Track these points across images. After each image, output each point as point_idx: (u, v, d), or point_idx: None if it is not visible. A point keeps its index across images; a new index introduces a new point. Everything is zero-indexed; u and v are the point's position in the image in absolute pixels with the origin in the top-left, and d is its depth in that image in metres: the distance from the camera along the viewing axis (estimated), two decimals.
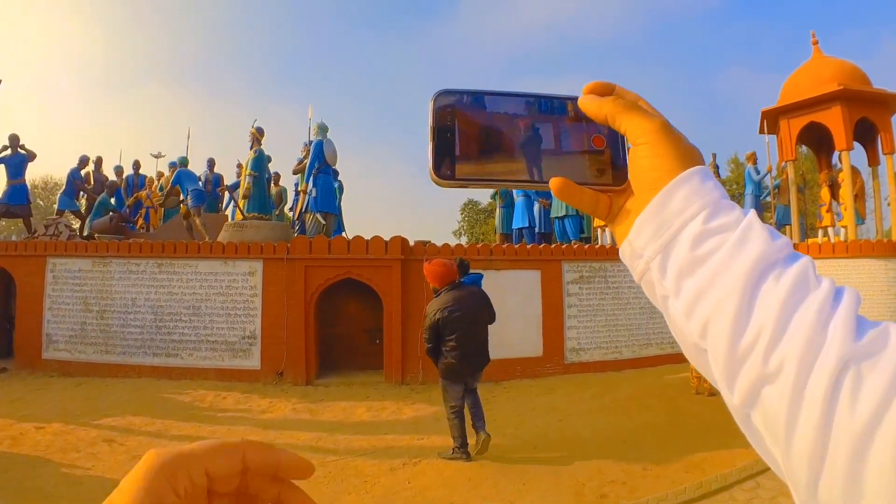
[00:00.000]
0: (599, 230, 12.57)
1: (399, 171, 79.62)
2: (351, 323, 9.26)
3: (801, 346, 0.34)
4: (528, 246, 9.76)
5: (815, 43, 11.88)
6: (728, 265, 0.38)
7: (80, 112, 76.68)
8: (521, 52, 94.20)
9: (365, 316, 9.15)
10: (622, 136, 0.47)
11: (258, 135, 10.95)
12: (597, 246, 10.21)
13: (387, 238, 8.78)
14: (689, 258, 0.40)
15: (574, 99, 0.49)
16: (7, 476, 4.85)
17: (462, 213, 38.56)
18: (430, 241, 9.48)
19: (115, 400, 7.25)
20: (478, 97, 0.47)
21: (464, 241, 31.72)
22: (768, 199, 13.46)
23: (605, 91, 0.48)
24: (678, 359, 7.53)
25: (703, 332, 0.39)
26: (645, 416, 6.60)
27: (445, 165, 0.45)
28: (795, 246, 9.14)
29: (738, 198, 25.19)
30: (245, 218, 10.67)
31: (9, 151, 10.93)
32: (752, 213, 0.41)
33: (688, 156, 0.43)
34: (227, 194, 13.83)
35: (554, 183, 0.45)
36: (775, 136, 12.24)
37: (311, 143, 11.24)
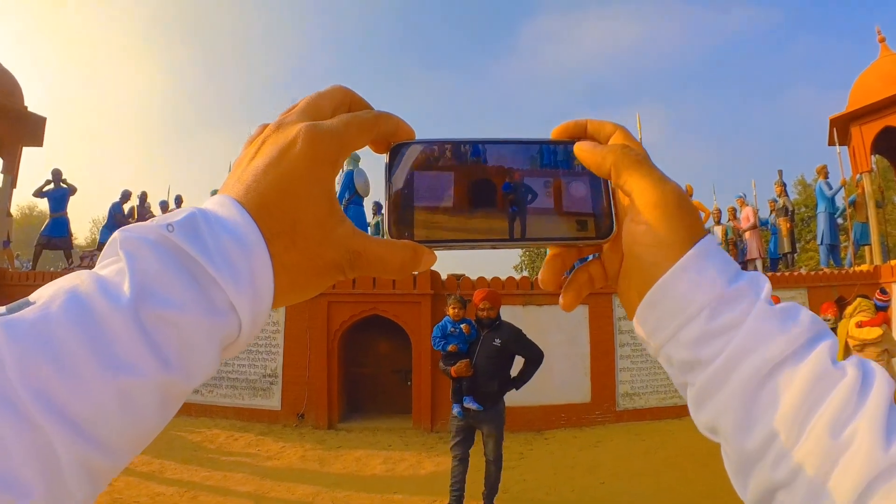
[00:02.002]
0: None
1: None
2: (380, 363, 8.64)
3: (818, 456, 0.31)
4: None
5: (882, 40, 10.58)
6: (732, 369, 0.35)
7: (136, 154, 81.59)
8: (581, 85, 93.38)
9: (395, 356, 8.50)
10: (607, 183, 0.43)
11: None
12: None
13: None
14: (691, 359, 0.37)
15: (547, 142, 0.44)
16: None
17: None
18: (463, 275, 8.77)
19: None
20: (440, 148, 0.43)
21: (524, 275, 30.91)
22: (842, 217, 11.87)
23: (578, 131, 0.45)
24: None
25: (713, 431, 0.38)
26: (706, 479, 5.44)
27: (403, 225, 0.41)
28: (877, 269, 7.66)
29: (807, 221, 22.97)
30: None
31: (52, 185, 11.30)
32: (760, 302, 0.36)
33: (694, 228, 0.39)
34: None
35: (563, 303, 0.46)
36: (846, 146, 10.83)
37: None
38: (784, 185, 11.97)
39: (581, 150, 0.42)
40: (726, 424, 0.35)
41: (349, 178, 10.25)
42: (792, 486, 0.32)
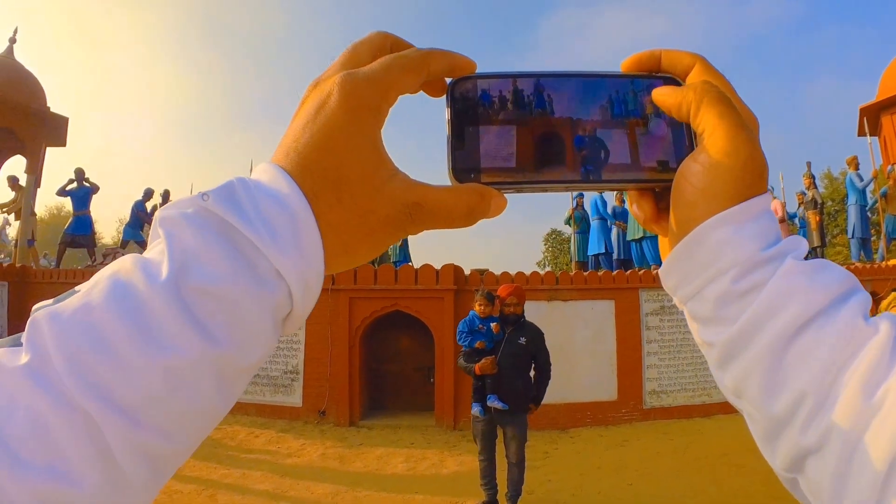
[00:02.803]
0: None
1: None
2: (403, 360, 8.54)
3: (849, 420, 0.30)
4: (600, 273, 8.66)
5: None
6: (757, 328, 0.33)
7: (160, 153, 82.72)
8: None
9: (418, 352, 8.39)
10: (688, 125, 0.39)
11: None
12: None
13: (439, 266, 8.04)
14: (715, 317, 0.35)
15: (623, 77, 0.41)
16: None
17: (545, 244, 37.30)
18: (487, 270, 8.64)
19: None
20: (503, 82, 0.39)
21: (549, 270, 30.64)
22: (872, 211, 11.46)
23: (652, 63, 0.41)
24: None
25: (738, 393, 0.35)
26: (736, 480, 5.29)
27: (468, 165, 0.38)
28: None
29: (834, 215, 22.38)
30: None
31: (75, 185, 11.42)
32: (789, 259, 0.33)
33: (752, 186, 0.36)
34: None
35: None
36: (877, 137, 10.47)
37: None
38: (813, 177, 11.60)
39: (660, 95, 0.39)
40: (752, 387, 0.34)
41: None
42: (822, 451, 0.31)
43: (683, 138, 0.39)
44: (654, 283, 8.44)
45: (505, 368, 4.29)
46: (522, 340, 4.40)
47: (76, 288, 0.28)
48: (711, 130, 0.36)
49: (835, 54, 71.25)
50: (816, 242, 11.29)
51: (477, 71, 0.39)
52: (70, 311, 0.26)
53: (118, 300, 0.27)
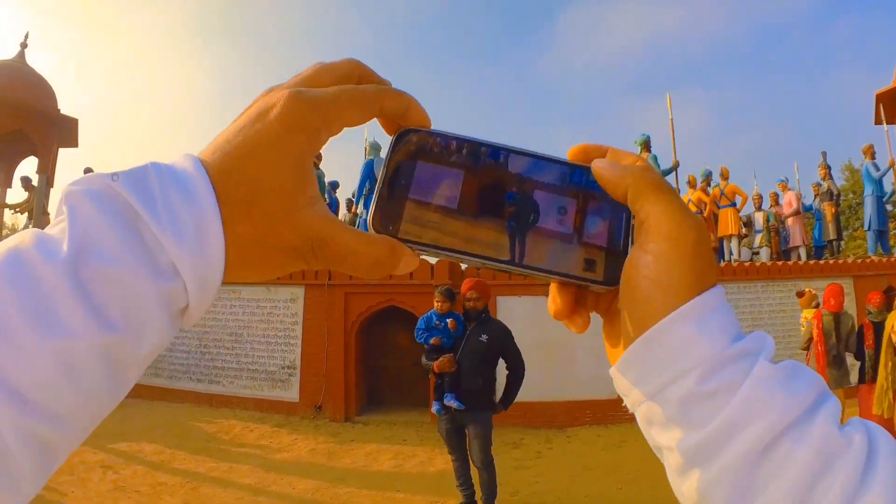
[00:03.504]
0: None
1: None
2: (400, 355, 8.49)
3: None
4: None
5: None
6: (728, 438, 0.31)
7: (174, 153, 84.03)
8: (620, 71, 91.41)
9: (416, 348, 8.27)
10: (627, 218, 0.38)
11: (315, 159, 10.63)
12: None
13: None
14: (678, 420, 0.33)
15: (565, 163, 0.40)
16: None
17: None
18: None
19: (144, 424, 7.15)
20: (449, 142, 0.39)
21: None
22: (891, 203, 11.00)
23: (598, 155, 0.40)
24: None
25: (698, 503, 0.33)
26: None
27: (389, 217, 0.36)
28: None
29: (854, 208, 21.59)
30: None
31: None
32: (761, 362, 0.32)
33: (706, 275, 0.34)
34: None
35: (578, 327, 0.40)
36: (895, 125, 10.04)
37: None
38: (829, 167, 11.16)
39: (599, 166, 0.38)
40: (717, 499, 0.32)
41: (369, 168, 10.11)
42: None
43: (619, 231, 0.38)
44: None
45: (464, 366, 4.19)
46: (483, 338, 4.26)
47: None
48: (657, 216, 0.34)
49: (855, 43, 69.09)
50: (833, 235, 10.92)
51: (432, 127, 0.39)
52: None
53: (12, 276, 0.26)
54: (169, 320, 0.29)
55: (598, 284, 0.37)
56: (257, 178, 0.31)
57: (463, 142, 0.39)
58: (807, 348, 5.76)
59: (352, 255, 0.34)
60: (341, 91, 0.34)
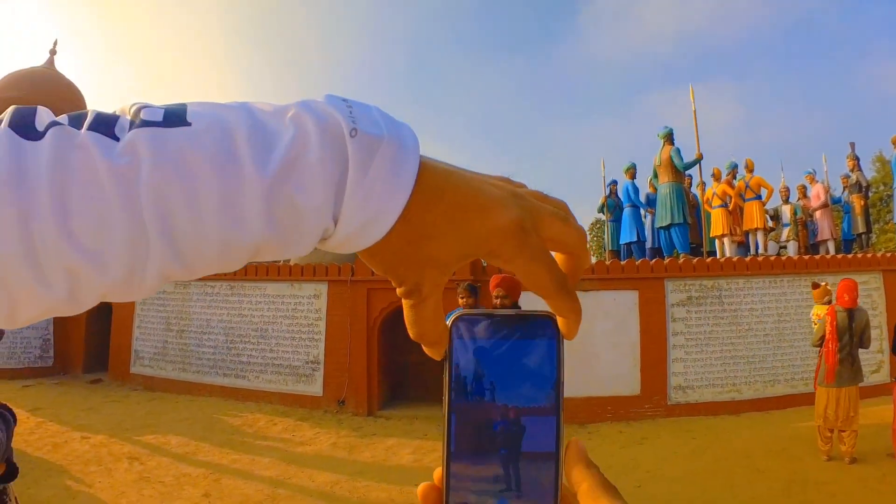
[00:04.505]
0: (718, 240, 10.65)
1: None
2: (422, 351, 8.38)
3: None
4: (623, 262, 8.41)
5: None
6: None
7: None
8: (647, 64, 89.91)
9: None
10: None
11: None
12: (709, 260, 8.50)
13: None
14: None
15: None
16: (18, 481, 4.90)
17: (591, 232, 36.68)
18: None
19: (172, 417, 7.34)
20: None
21: (593, 261, 29.93)
22: None
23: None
24: (812, 400, 5.82)
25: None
26: (756, 487, 4.99)
27: None
28: None
29: (885, 200, 20.89)
30: None
31: None
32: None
33: None
34: None
35: None
36: None
37: None
38: (857, 158, 10.84)
39: (575, 446, 0.36)
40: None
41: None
42: None
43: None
44: (681, 272, 8.15)
45: None
46: None
47: (187, 115, 0.30)
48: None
49: (890, 30, 66.95)
50: (861, 228, 10.65)
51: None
52: (177, 144, 0.29)
53: (220, 165, 0.29)
54: (316, 239, 0.33)
55: None
56: (444, 232, 0.33)
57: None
58: (820, 345, 5.66)
59: (422, 319, 0.37)
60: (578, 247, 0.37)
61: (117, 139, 0.29)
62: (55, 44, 12.74)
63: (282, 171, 0.30)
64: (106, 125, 0.30)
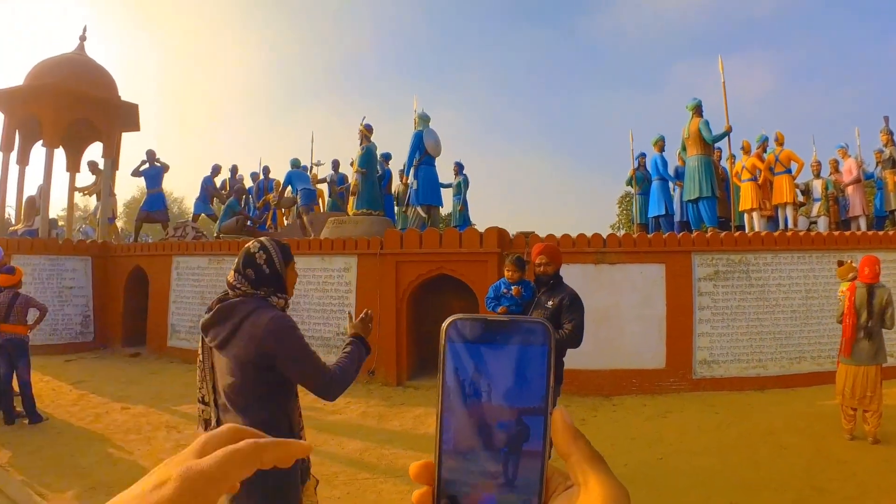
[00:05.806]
0: (747, 214, 10.53)
1: (561, 165, 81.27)
2: None
3: None
4: (650, 235, 8.41)
5: None
6: None
7: (229, 129, 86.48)
8: (678, 36, 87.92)
9: (468, 313, 8.51)
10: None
11: (366, 132, 10.71)
12: (737, 234, 8.45)
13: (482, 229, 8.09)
14: None
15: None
16: (62, 450, 5.24)
17: (619, 206, 36.20)
18: (532, 232, 8.61)
19: None
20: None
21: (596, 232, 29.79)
22: None
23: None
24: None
25: None
26: (778, 463, 4.98)
27: None
28: None
29: None
30: (356, 214, 10.59)
31: (147, 165, 12.27)
32: None
33: None
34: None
35: None
36: None
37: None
38: (891, 133, 10.58)
39: (560, 419, 0.38)
40: None
41: (418, 138, 10.26)
42: None
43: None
44: (708, 246, 8.13)
45: None
46: (550, 304, 4.14)
47: None
48: (594, 484, 0.35)
49: None
50: (894, 205, 10.45)
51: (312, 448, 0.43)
52: None
53: None
54: None
55: None
56: None
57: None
58: (841, 321, 5.65)
59: None
60: (224, 457, 0.39)
61: None
62: (84, 30, 13.07)
63: None
64: None
